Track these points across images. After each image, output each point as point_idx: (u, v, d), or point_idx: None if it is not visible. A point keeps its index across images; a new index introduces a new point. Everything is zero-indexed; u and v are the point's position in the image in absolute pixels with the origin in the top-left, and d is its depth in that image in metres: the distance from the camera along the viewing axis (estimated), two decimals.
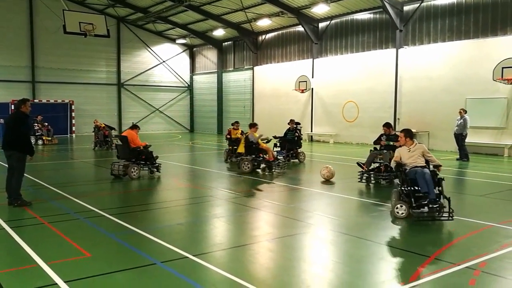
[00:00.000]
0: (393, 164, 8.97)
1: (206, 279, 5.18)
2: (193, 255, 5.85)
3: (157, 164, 12.97)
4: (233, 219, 8.30)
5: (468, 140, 17.46)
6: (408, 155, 8.37)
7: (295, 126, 16.77)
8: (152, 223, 7.84)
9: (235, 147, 15.66)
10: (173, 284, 5.06)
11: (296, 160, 16.25)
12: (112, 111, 33.95)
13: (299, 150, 16.45)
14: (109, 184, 11.84)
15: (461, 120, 17.12)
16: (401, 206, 7.86)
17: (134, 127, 13.25)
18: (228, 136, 17.01)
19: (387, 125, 12.29)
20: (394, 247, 6.37)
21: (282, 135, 16.74)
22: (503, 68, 17.74)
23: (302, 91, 26.81)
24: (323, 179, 11.99)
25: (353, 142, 24.40)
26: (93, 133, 22.16)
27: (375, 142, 12.21)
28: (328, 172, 12.04)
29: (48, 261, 5.59)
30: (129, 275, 5.27)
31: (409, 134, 8.66)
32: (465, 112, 17.34)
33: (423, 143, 9.96)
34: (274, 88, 29.69)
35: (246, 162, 13.48)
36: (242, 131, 16.85)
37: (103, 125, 21.73)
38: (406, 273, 5.35)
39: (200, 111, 37.28)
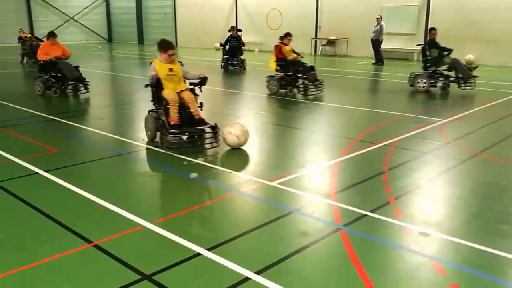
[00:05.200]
0: None
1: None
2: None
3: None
4: None
5: (383, 46, 18.88)
6: None
7: (238, 33, 16.62)
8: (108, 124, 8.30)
9: (290, 73, 11.06)
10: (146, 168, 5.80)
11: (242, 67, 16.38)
12: (22, 21, 31.50)
13: (241, 57, 16.42)
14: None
15: (378, 27, 18.38)
16: None
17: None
18: (281, 56, 11.18)
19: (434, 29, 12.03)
20: (323, 134, 7.51)
21: (224, 42, 16.53)
22: None
23: None
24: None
25: None
26: (19, 45, 20.47)
27: (438, 47, 11.57)
28: (238, 137, 6.35)
29: (19, 156, 6.03)
30: (98, 163, 5.95)
31: None
32: (381, 19, 18.58)
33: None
34: None
35: None
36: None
37: (29, 35, 20.30)
38: (338, 151, 6.50)
39: (118, 20, 35.60)
